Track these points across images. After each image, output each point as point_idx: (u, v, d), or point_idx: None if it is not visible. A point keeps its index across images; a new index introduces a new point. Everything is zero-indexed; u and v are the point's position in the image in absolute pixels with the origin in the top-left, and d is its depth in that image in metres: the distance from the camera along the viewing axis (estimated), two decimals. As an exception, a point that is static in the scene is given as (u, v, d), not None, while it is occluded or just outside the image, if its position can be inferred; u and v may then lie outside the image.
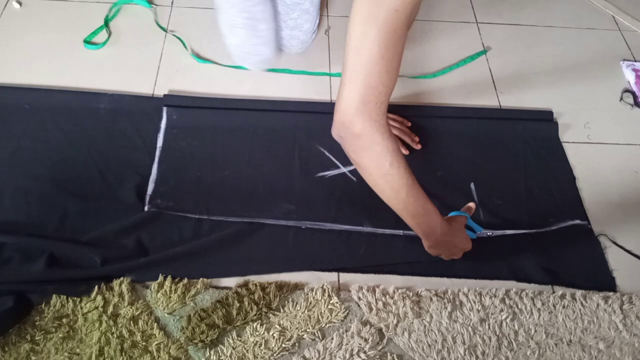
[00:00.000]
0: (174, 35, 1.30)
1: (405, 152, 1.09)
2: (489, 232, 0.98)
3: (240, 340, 0.86)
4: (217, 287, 0.92)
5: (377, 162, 0.74)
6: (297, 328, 0.88)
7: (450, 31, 1.39)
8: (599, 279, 0.98)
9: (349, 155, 0.78)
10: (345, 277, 0.96)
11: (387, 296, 0.92)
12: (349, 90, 0.71)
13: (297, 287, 0.93)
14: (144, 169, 1.05)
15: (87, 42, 1.26)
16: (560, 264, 0.99)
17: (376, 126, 0.71)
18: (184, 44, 1.28)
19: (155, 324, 0.87)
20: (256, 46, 1.17)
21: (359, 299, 0.92)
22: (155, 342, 0.85)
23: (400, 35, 0.69)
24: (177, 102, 1.15)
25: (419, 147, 1.09)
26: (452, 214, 0.93)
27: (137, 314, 0.87)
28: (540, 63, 1.34)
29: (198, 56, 1.26)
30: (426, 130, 1.16)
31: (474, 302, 0.93)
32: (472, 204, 0.95)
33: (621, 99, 1.28)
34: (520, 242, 1.01)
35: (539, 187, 1.08)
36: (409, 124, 1.11)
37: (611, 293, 0.96)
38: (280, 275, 0.95)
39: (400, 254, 0.99)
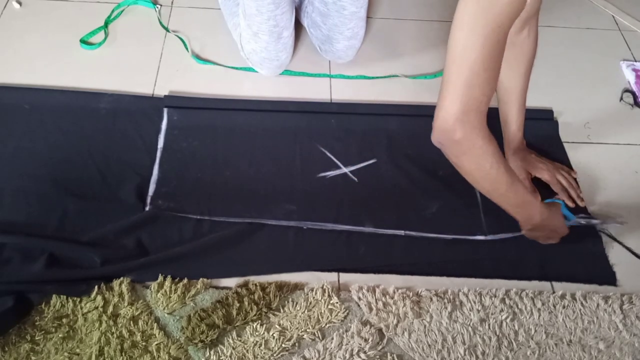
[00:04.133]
0: (177, 35, 1.30)
1: (571, 204, 1.05)
2: (583, 221, 0.99)
3: (240, 341, 0.86)
4: (217, 287, 0.92)
5: (477, 164, 0.78)
6: (297, 328, 0.88)
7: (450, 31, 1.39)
8: (599, 274, 0.98)
9: (450, 159, 0.80)
10: (345, 277, 0.95)
11: (387, 296, 0.92)
12: (451, 100, 0.72)
13: (297, 287, 0.93)
14: (144, 169, 1.05)
15: (84, 41, 1.26)
16: (561, 259, 0.99)
17: (476, 132, 0.73)
18: (185, 44, 1.28)
19: (155, 324, 0.87)
20: (277, 52, 1.17)
21: (359, 299, 0.92)
22: (155, 342, 0.85)
23: (503, 45, 0.71)
24: (178, 103, 1.15)
25: (582, 204, 1.06)
26: (547, 201, 0.95)
27: (137, 314, 0.87)
28: (541, 63, 1.33)
29: (198, 57, 1.26)
30: (427, 131, 1.16)
31: (474, 302, 0.92)
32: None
33: (621, 99, 1.28)
34: (520, 239, 1.01)
35: (540, 185, 1.07)
36: (576, 175, 1.10)
37: (611, 293, 0.96)
38: (280, 275, 0.95)
39: (401, 254, 0.99)
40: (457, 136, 0.73)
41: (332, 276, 0.95)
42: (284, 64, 1.22)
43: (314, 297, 0.91)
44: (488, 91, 0.72)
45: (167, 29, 1.31)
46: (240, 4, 1.14)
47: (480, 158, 0.76)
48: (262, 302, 0.90)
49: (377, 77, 1.27)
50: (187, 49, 1.27)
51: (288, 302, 0.91)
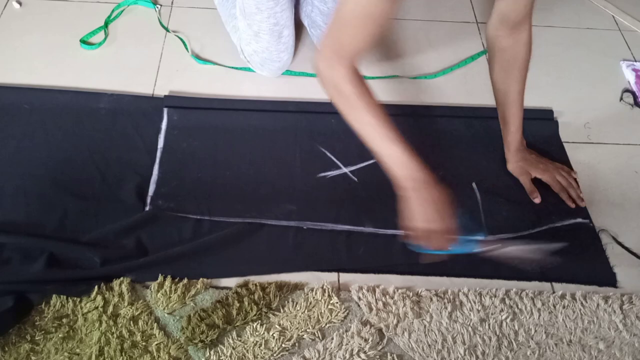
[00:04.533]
0: (177, 35, 1.30)
1: (572, 205, 1.05)
2: (495, 245, 0.86)
3: (240, 340, 0.86)
4: (217, 287, 0.92)
5: (339, 102, 0.85)
6: (297, 328, 0.88)
7: (450, 31, 1.39)
8: (600, 275, 0.98)
9: None
10: (345, 277, 0.95)
11: (387, 296, 0.92)
12: (324, 41, 0.83)
13: (297, 287, 0.93)
14: (144, 169, 1.05)
15: (84, 42, 1.26)
16: (561, 261, 0.99)
17: (338, 73, 0.82)
18: (185, 45, 1.28)
19: (155, 324, 0.87)
20: (278, 53, 1.17)
21: (359, 299, 0.92)
22: (155, 342, 0.85)
23: (382, 12, 0.77)
24: (178, 103, 1.15)
25: (583, 204, 1.05)
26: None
27: (137, 314, 0.87)
28: (540, 63, 1.34)
29: (198, 57, 1.26)
30: (427, 131, 1.16)
31: (474, 302, 0.92)
32: None
33: (621, 99, 1.28)
34: (521, 240, 1.01)
35: (540, 185, 1.07)
36: (576, 175, 1.10)
37: (611, 293, 0.96)
38: (280, 275, 0.95)
39: (400, 254, 0.98)
40: (321, 70, 0.84)
41: (332, 276, 0.95)
42: (286, 65, 1.22)
43: (314, 297, 0.91)
44: (357, 43, 0.81)
45: (167, 29, 1.31)
46: (238, 4, 1.14)
47: (342, 98, 0.84)
48: (262, 302, 0.90)
49: (377, 77, 1.27)
50: (187, 49, 1.27)
51: (288, 302, 0.91)
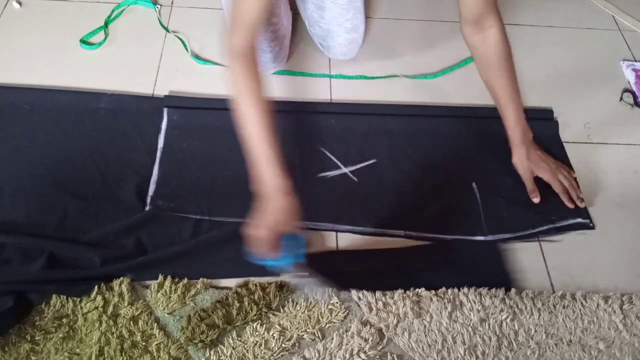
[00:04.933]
0: (176, 35, 1.30)
1: (571, 206, 1.05)
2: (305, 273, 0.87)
3: (240, 340, 0.86)
4: (217, 287, 0.92)
5: (229, 83, 0.87)
6: (297, 328, 0.88)
7: (450, 31, 1.39)
8: (500, 280, 0.97)
9: None
10: (345, 277, 0.95)
11: (387, 296, 0.92)
12: (228, 21, 0.89)
13: (297, 287, 0.93)
14: (144, 169, 1.05)
15: (84, 41, 1.26)
16: (465, 269, 0.98)
17: (234, 50, 0.86)
18: (184, 45, 1.28)
19: (155, 324, 0.87)
20: (269, 41, 1.16)
21: (359, 299, 0.92)
22: (155, 342, 0.85)
23: None
24: (178, 103, 1.15)
25: (582, 204, 1.05)
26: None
27: (137, 314, 0.87)
28: (540, 63, 1.34)
29: (198, 57, 1.26)
30: (427, 131, 1.16)
31: (474, 302, 0.92)
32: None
33: (621, 98, 1.28)
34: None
35: (540, 185, 1.07)
36: (575, 175, 1.10)
37: (611, 293, 0.96)
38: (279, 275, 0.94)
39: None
40: (226, 46, 0.87)
41: (332, 276, 0.95)
42: (278, 57, 1.20)
43: (314, 297, 0.91)
44: (250, 15, 0.85)
45: (167, 29, 1.31)
46: None
47: (230, 76, 0.86)
48: (262, 302, 0.90)
49: (377, 77, 1.27)
50: (186, 49, 1.27)
51: (288, 302, 0.91)
